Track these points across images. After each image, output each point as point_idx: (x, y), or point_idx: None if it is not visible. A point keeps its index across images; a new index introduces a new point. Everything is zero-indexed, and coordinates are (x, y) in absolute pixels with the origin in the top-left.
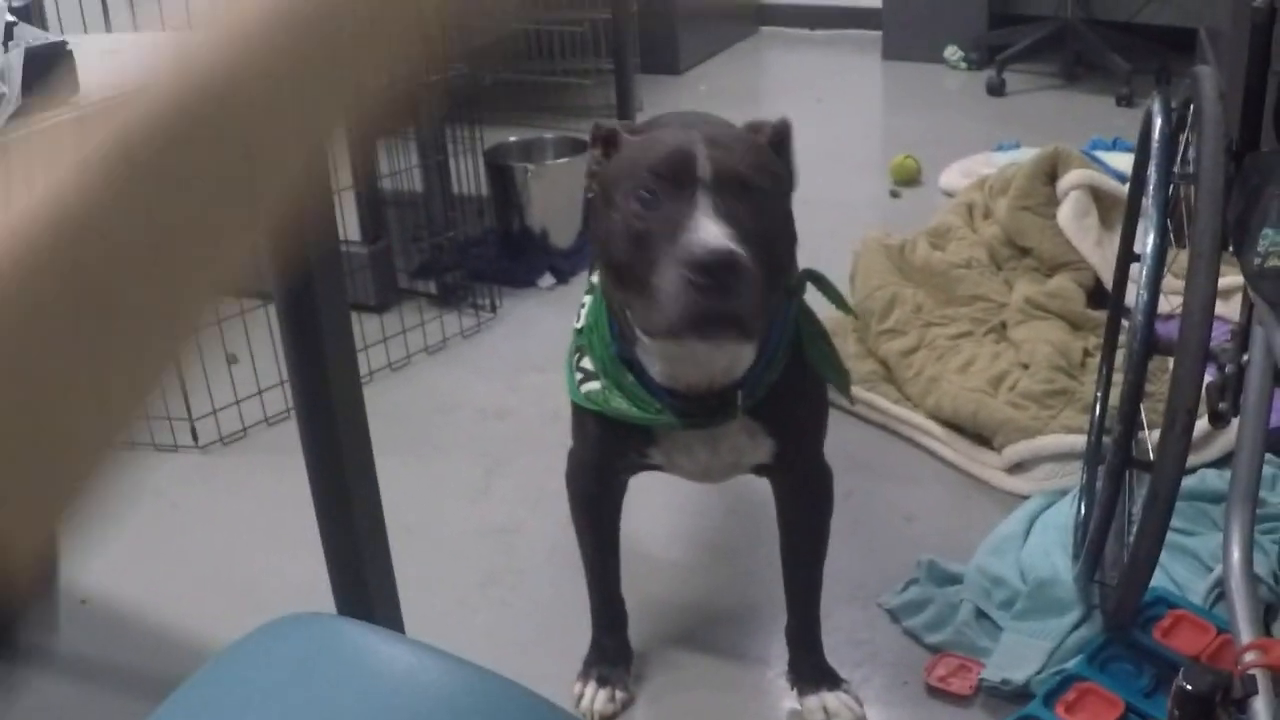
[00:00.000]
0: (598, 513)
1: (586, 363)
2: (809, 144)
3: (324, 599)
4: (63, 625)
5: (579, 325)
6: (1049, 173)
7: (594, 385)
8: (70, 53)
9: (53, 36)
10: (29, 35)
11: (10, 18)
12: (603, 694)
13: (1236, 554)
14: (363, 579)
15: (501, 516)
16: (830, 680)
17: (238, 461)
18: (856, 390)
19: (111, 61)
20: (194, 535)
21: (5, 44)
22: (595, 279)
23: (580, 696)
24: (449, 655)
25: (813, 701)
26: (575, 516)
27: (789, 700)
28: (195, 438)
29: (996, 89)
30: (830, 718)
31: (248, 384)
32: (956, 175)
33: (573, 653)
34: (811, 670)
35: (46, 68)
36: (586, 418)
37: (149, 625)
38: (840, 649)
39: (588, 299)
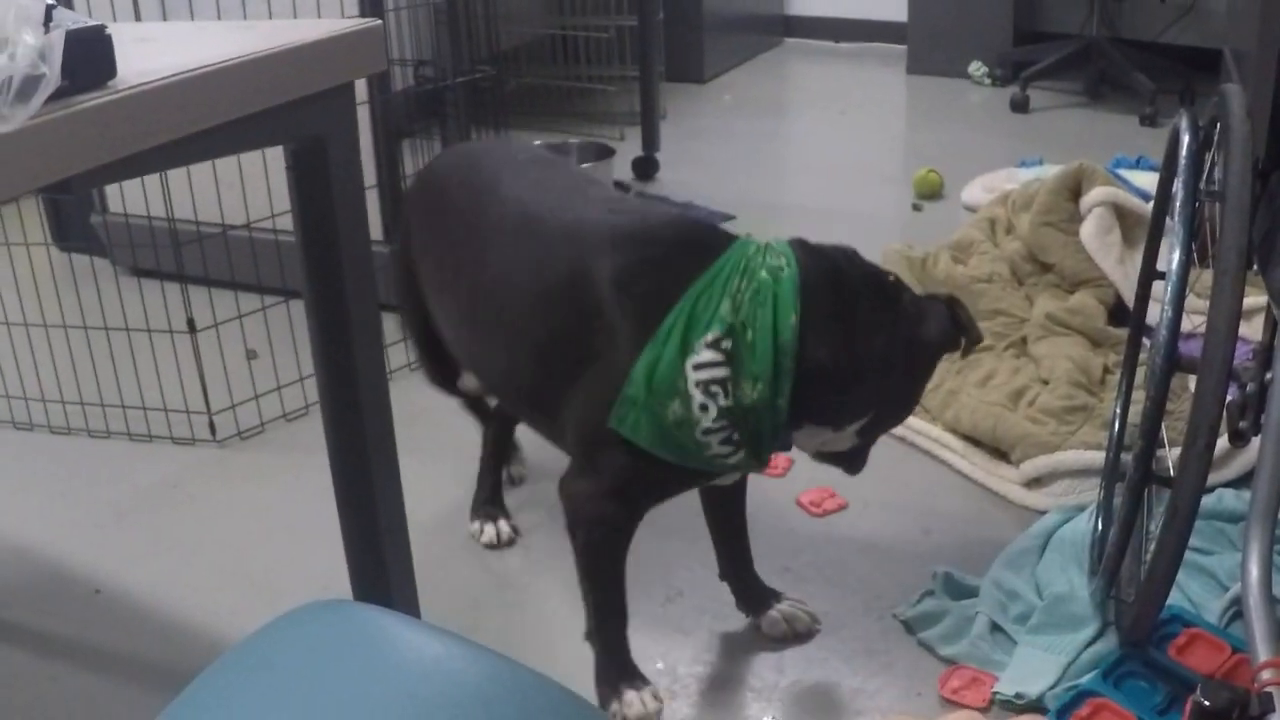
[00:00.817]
0: (624, 553)
1: (734, 435)
2: (832, 156)
3: (339, 593)
4: (75, 615)
5: (727, 404)
6: (1073, 189)
7: (724, 450)
8: (109, 37)
9: (91, 20)
10: (68, 19)
11: (50, 0)
12: (646, 692)
13: (1255, 572)
14: (383, 570)
15: (517, 518)
16: (774, 595)
17: (255, 457)
18: None
19: (145, 49)
20: (209, 528)
21: (46, 25)
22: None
23: (623, 704)
24: (477, 644)
25: (772, 615)
26: (603, 562)
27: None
28: (213, 432)
29: (1020, 105)
30: (791, 623)
31: (267, 379)
32: (979, 190)
33: (586, 659)
34: (758, 593)
35: (85, 51)
36: (663, 469)
37: (162, 616)
38: (855, 659)
39: (717, 371)
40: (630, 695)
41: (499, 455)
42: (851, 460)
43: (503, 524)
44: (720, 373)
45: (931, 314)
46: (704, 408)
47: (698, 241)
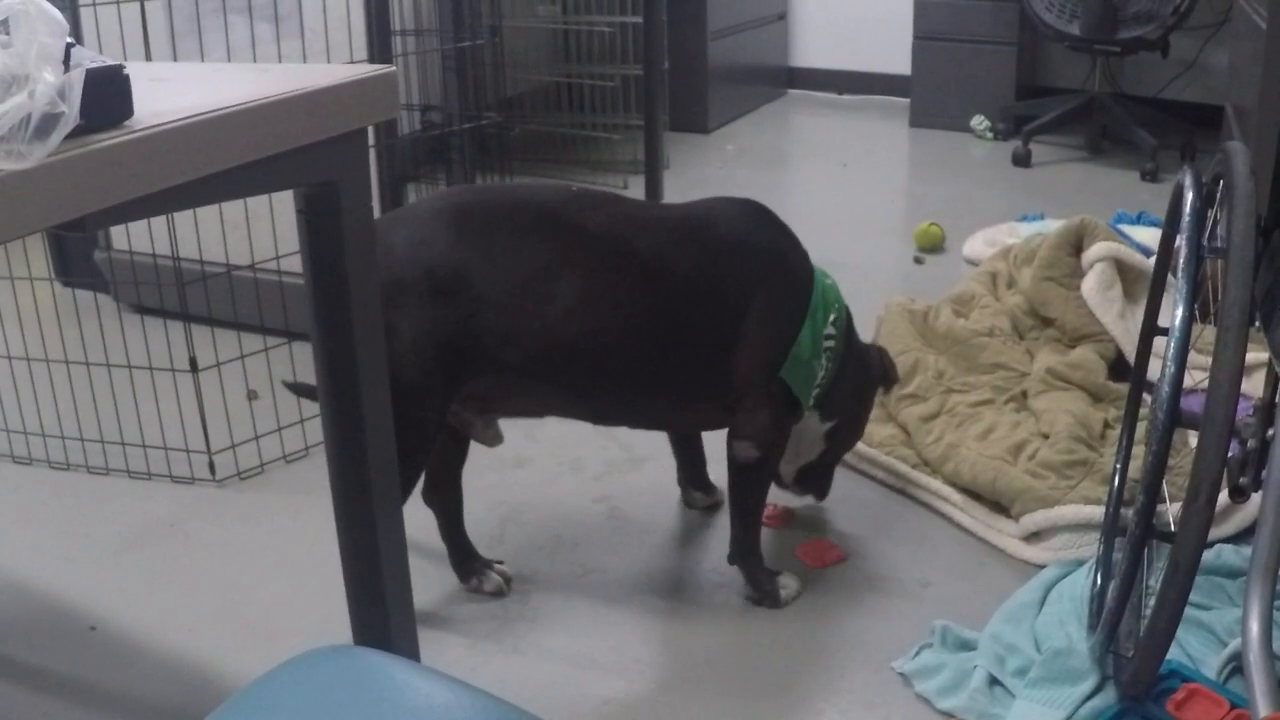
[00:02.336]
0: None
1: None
2: (834, 208)
3: (335, 636)
4: (70, 652)
5: (831, 368)
6: (1074, 244)
7: (813, 404)
8: (127, 76)
9: (109, 60)
10: (86, 57)
11: (70, 39)
12: (788, 576)
13: (1255, 628)
14: (384, 613)
15: (516, 564)
16: (708, 486)
17: (254, 497)
18: (875, 454)
19: (161, 89)
20: (207, 568)
21: (65, 64)
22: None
23: (782, 586)
24: (480, 690)
25: (696, 494)
26: (769, 478)
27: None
28: (213, 471)
29: (1022, 160)
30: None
31: (267, 420)
32: (980, 244)
33: (582, 704)
34: (703, 483)
35: (103, 90)
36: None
37: (157, 655)
38: (852, 710)
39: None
40: (785, 578)
41: (455, 517)
42: (820, 483)
43: (498, 570)
44: (833, 344)
45: (874, 355)
46: (823, 367)
47: (804, 252)
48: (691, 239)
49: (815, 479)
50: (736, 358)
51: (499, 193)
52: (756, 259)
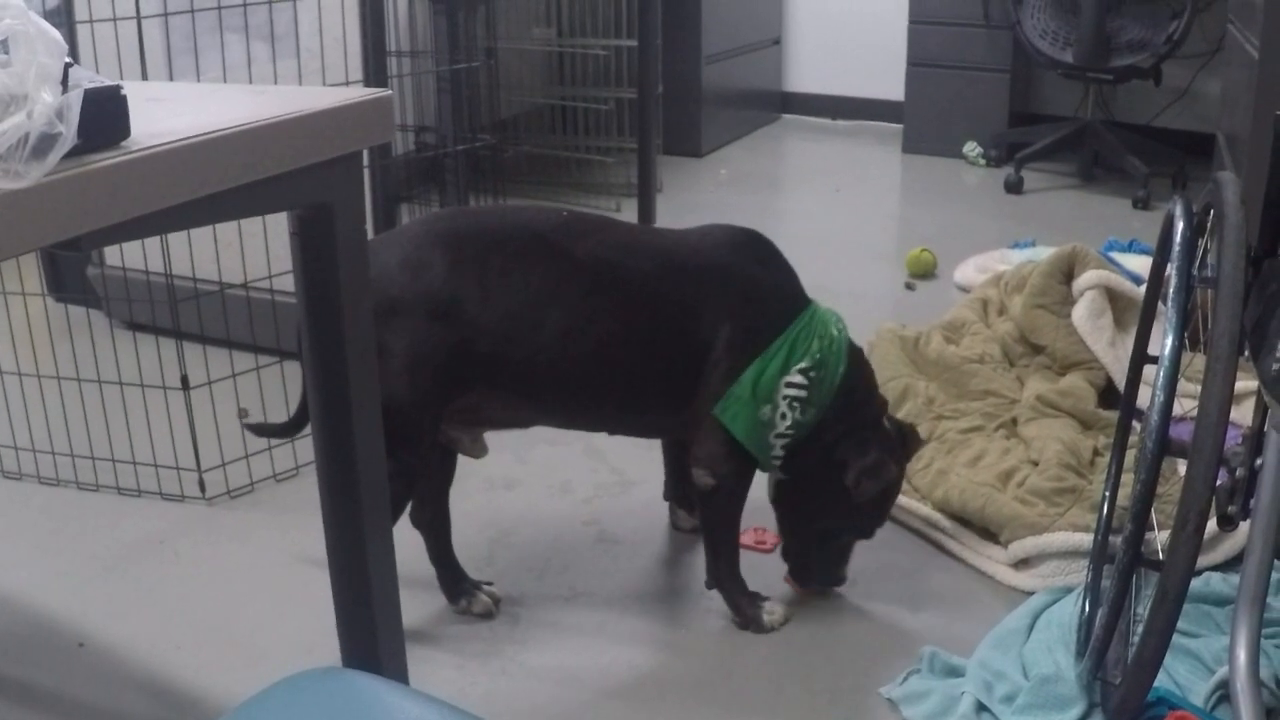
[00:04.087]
0: (741, 504)
1: (789, 445)
2: (827, 233)
3: (323, 656)
4: (58, 667)
5: (798, 418)
6: (1065, 271)
7: (779, 455)
8: (124, 97)
9: (106, 80)
10: (84, 77)
11: (68, 59)
12: (776, 603)
13: (1243, 656)
14: (373, 634)
15: (504, 586)
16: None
17: (243, 516)
18: None
19: (158, 110)
20: (195, 585)
21: (64, 84)
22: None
23: (768, 612)
24: (473, 716)
25: (681, 514)
26: (731, 508)
27: None
28: (203, 489)
29: (1014, 186)
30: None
31: (258, 440)
32: (971, 270)
33: None
34: (689, 501)
35: (101, 111)
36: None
37: (145, 672)
38: None
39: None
40: (770, 604)
41: (443, 539)
42: (806, 564)
43: (486, 591)
44: (802, 394)
45: (888, 442)
46: (783, 416)
47: (791, 291)
48: (676, 267)
49: (802, 558)
50: (706, 377)
51: (492, 217)
52: (731, 289)
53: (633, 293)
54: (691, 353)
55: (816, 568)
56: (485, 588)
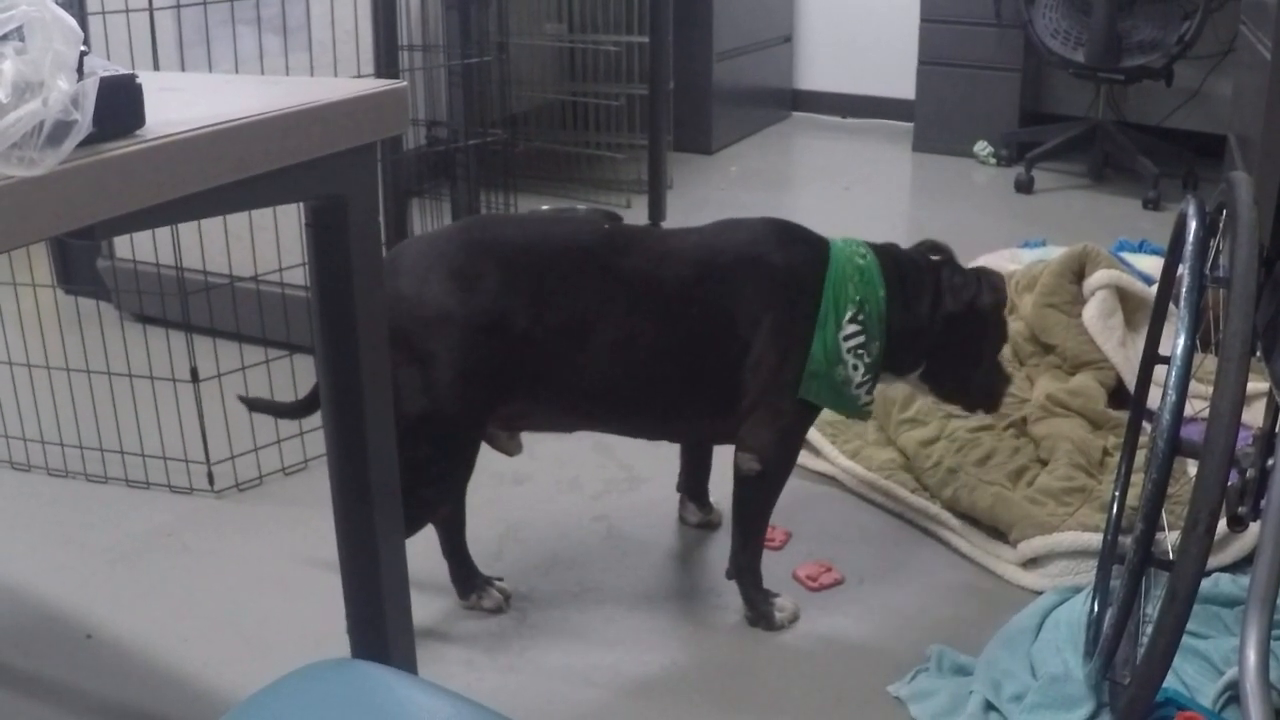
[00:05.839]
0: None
1: (872, 385)
2: (836, 231)
3: (331, 649)
4: (65, 659)
5: (869, 361)
6: (1076, 271)
7: (867, 397)
8: (140, 86)
9: (122, 69)
10: (99, 66)
11: (84, 47)
12: (787, 598)
13: (1253, 657)
14: (383, 626)
15: (513, 582)
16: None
17: (252, 509)
18: (874, 478)
19: (172, 99)
20: (203, 578)
21: (79, 72)
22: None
23: (779, 608)
24: (483, 706)
25: (693, 509)
26: (773, 496)
27: None
28: (211, 482)
29: (1025, 186)
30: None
31: (267, 432)
32: None
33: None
34: (703, 498)
35: (116, 99)
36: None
37: (152, 664)
38: None
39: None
40: (781, 601)
41: (458, 533)
42: (968, 393)
43: (497, 587)
44: (860, 340)
45: (968, 285)
46: (855, 368)
47: (806, 241)
48: (711, 270)
49: (965, 392)
50: (749, 375)
51: (538, 229)
52: (763, 282)
53: (675, 301)
54: (735, 351)
55: (991, 393)
56: (496, 583)
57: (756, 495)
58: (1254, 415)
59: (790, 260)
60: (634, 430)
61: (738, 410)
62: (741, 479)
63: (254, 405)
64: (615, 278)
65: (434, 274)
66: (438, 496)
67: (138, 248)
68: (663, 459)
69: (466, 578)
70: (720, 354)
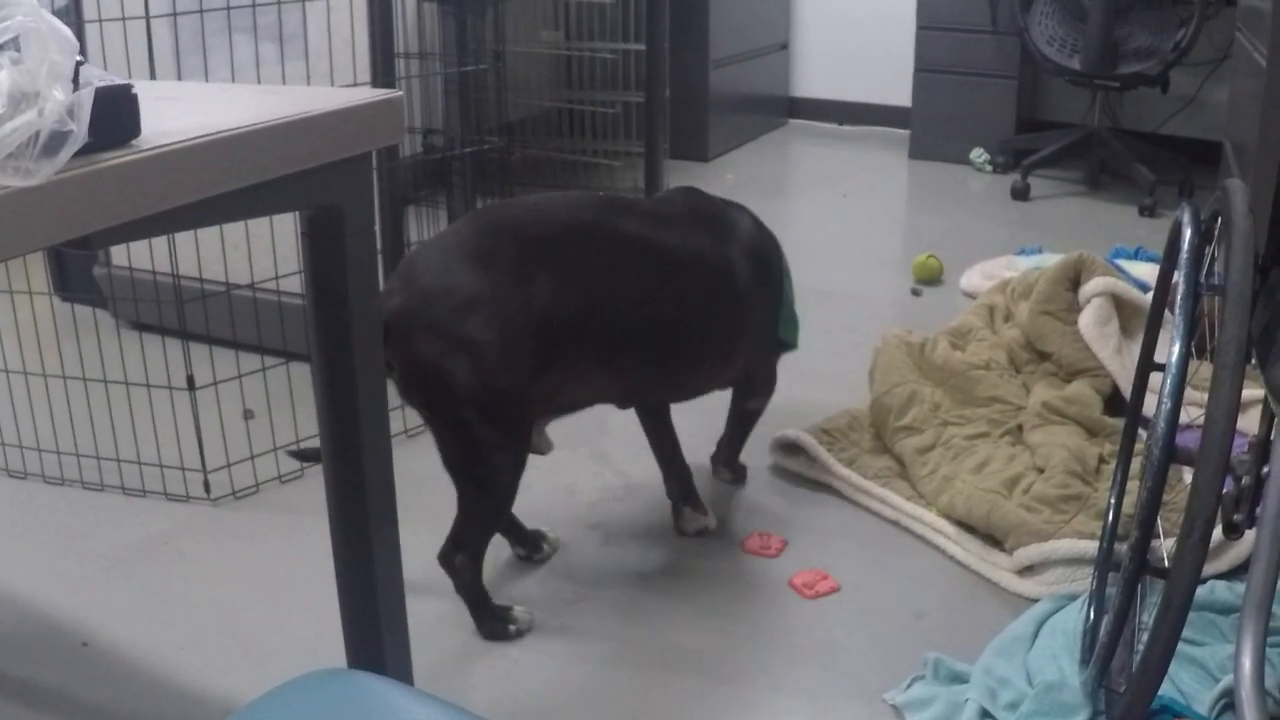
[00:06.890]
0: None
1: None
2: (833, 238)
3: (327, 657)
4: (62, 667)
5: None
6: (1072, 278)
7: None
8: (135, 96)
9: (117, 78)
10: (95, 76)
11: (80, 57)
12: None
13: (1248, 665)
14: (378, 636)
15: (508, 590)
16: (698, 503)
17: (248, 516)
18: (870, 485)
19: (168, 108)
20: (199, 586)
21: (75, 82)
22: None
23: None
24: (478, 716)
25: (688, 514)
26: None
27: None
28: (208, 490)
29: (1021, 193)
30: (697, 522)
31: (263, 440)
32: (978, 277)
33: None
34: (694, 501)
35: (111, 109)
36: None
37: (149, 672)
38: None
39: None
40: (518, 612)
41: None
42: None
43: (519, 613)
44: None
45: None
46: (792, 300)
47: (744, 212)
48: (701, 228)
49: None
50: (747, 331)
51: (542, 204)
52: (731, 236)
53: (674, 256)
54: (730, 298)
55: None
56: (516, 610)
57: (755, 417)
58: (1249, 422)
59: (739, 218)
60: (649, 387)
61: (731, 358)
62: (750, 414)
63: (304, 456)
64: (622, 236)
65: (454, 264)
66: (508, 484)
67: (134, 256)
68: (657, 467)
69: (522, 540)
70: (719, 298)
